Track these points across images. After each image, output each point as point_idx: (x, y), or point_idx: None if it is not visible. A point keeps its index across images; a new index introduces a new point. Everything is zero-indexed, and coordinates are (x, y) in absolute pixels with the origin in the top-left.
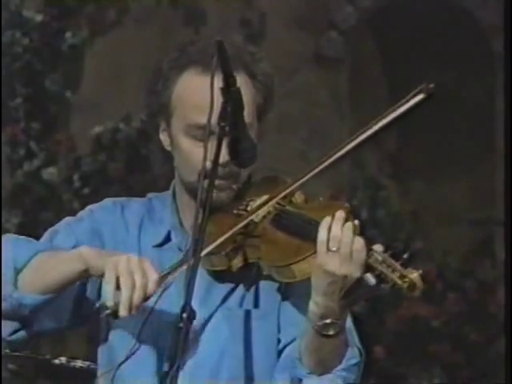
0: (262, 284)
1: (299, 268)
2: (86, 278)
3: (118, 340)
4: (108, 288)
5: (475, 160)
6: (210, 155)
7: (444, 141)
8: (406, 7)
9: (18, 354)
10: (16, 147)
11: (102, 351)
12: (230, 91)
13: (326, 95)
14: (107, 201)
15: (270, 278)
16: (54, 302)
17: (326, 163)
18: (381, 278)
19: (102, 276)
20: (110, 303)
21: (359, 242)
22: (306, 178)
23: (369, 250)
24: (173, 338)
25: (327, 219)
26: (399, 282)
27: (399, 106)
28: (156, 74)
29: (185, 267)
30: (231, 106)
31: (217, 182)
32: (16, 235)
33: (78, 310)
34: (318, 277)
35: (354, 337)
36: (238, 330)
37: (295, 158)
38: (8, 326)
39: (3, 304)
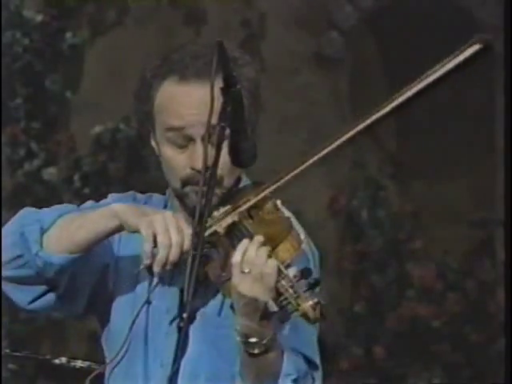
0: None
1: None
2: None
3: (114, 336)
4: (146, 246)
5: (475, 160)
6: (192, 161)
7: (444, 141)
8: (406, 7)
9: (18, 353)
10: (16, 147)
11: (105, 345)
12: (230, 91)
13: (326, 95)
14: (130, 193)
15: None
16: (72, 286)
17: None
18: (283, 304)
19: (135, 232)
20: (147, 261)
21: (271, 265)
22: (265, 192)
23: (280, 274)
24: (168, 335)
25: (244, 242)
26: (295, 308)
27: (454, 58)
28: (140, 81)
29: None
30: (231, 106)
31: (199, 188)
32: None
33: (95, 296)
34: (234, 298)
35: (307, 348)
36: (213, 335)
37: (295, 158)
38: (31, 292)
39: (24, 270)
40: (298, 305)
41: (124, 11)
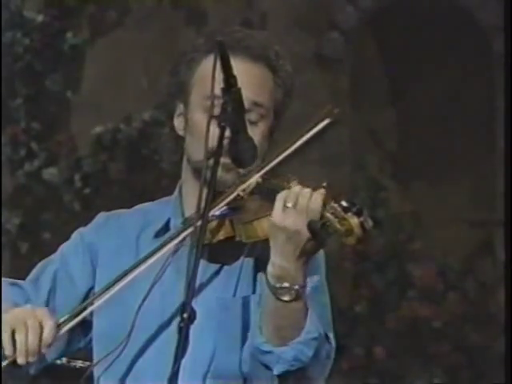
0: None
1: (261, 225)
2: None
3: (111, 329)
4: (4, 338)
5: (475, 160)
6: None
7: (444, 141)
8: (406, 7)
9: None
10: (17, 147)
11: (96, 343)
12: (230, 92)
13: (327, 95)
14: (100, 215)
15: (249, 253)
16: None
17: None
18: (326, 225)
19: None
20: (7, 352)
21: (316, 199)
22: (285, 154)
23: (324, 205)
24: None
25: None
26: (338, 225)
27: (307, 131)
28: (180, 57)
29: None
30: (232, 106)
31: (223, 159)
32: (7, 280)
33: (73, 340)
34: (274, 235)
35: (323, 323)
36: (233, 319)
37: (295, 157)
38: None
39: None
40: (344, 219)
41: (125, 11)
